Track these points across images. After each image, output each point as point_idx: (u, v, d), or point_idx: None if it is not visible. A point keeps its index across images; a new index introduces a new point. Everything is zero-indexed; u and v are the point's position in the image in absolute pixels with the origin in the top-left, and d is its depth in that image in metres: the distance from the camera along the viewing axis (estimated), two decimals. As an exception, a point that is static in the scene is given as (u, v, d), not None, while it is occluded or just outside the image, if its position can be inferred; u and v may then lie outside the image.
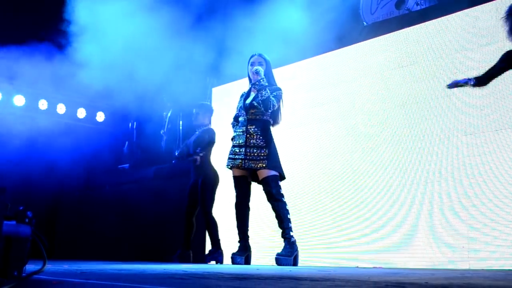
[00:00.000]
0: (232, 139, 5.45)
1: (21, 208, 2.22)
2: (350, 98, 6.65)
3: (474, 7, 5.83)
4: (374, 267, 5.29)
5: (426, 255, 5.59)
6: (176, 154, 6.91)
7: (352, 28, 7.12)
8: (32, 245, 2.22)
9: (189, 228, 6.45)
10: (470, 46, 5.77)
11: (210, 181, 6.40)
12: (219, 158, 6.46)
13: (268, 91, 5.23)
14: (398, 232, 5.85)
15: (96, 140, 9.30)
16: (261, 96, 5.21)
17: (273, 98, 5.24)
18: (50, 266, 3.26)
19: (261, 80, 5.24)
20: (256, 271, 3.67)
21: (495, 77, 4.51)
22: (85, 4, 7.34)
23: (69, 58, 7.34)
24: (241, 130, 5.35)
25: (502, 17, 4.49)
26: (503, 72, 4.46)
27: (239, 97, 5.58)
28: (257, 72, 5.27)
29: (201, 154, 6.41)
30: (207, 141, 6.49)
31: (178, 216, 7.00)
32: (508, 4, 5.43)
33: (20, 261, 2.12)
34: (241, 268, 4.33)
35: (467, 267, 5.16)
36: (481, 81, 4.53)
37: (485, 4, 5.76)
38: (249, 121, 5.31)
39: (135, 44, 7.33)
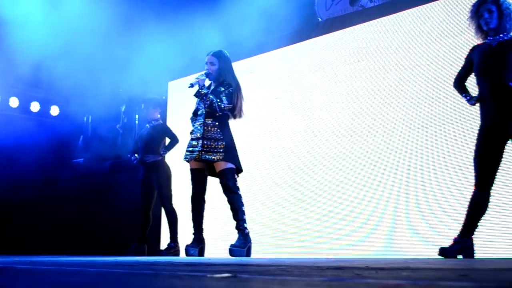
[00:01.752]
0: (190, 133, 5.44)
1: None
2: (305, 92, 6.73)
3: (425, 5, 5.96)
4: (328, 257, 5.40)
5: (389, 249, 5.73)
6: (129, 155, 6.86)
7: (307, 24, 7.22)
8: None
9: (146, 223, 6.43)
10: (421, 42, 5.91)
11: (165, 174, 6.40)
12: (176, 152, 6.45)
13: (210, 97, 5.18)
14: (352, 225, 5.96)
15: (50, 134, 9.22)
16: (205, 104, 5.20)
17: (218, 100, 5.19)
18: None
19: (200, 90, 5.19)
20: (207, 260, 3.75)
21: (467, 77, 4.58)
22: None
23: (21, 51, 7.26)
24: (199, 123, 5.33)
25: (468, 17, 4.53)
26: (468, 73, 4.51)
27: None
28: (191, 86, 5.21)
29: (165, 155, 6.46)
30: (170, 141, 6.49)
31: (133, 210, 6.99)
32: (455, 3, 5.62)
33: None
34: (192, 259, 4.39)
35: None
36: (458, 85, 4.58)
37: (435, 2, 5.91)
38: (207, 114, 5.26)
39: (89, 38, 7.29)
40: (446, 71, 5.27)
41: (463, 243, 4.29)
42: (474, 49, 4.46)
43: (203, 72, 5.31)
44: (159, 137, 6.51)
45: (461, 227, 4.33)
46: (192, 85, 5.20)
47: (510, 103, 4.15)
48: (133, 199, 7.05)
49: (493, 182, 4.30)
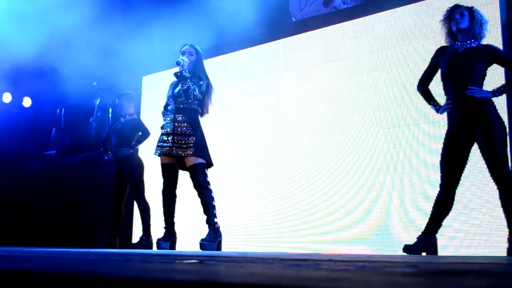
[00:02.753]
0: (161, 128, 5.50)
1: None
2: (278, 90, 6.84)
3: (395, 9, 6.11)
4: (295, 253, 5.53)
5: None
6: (102, 149, 6.91)
7: (282, 23, 7.31)
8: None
9: (117, 216, 6.48)
10: (390, 44, 6.05)
11: (137, 168, 6.44)
12: (148, 146, 6.52)
13: (189, 83, 5.31)
14: (323, 220, 6.11)
15: (23, 125, 9.22)
16: (182, 86, 5.34)
17: (195, 87, 5.32)
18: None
19: (184, 72, 5.29)
20: (178, 252, 3.85)
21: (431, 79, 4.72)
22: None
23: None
24: (170, 118, 5.39)
25: (440, 20, 4.63)
26: (432, 75, 4.68)
27: (169, 87, 5.62)
28: (177, 63, 5.34)
29: (136, 148, 6.52)
30: (141, 134, 6.55)
31: (105, 203, 7.02)
32: (424, 8, 5.79)
33: None
34: (165, 251, 4.49)
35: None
36: (422, 88, 4.74)
37: (405, 6, 6.05)
38: (177, 110, 5.35)
39: (65, 31, 7.31)
40: (415, 73, 5.38)
41: (427, 240, 4.45)
42: (441, 53, 4.60)
43: (185, 58, 5.40)
44: (132, 131, 6.53)
45: (425, 225, 4.51)
46: (178, 63, 5.30)
47: (475, 108, 4.33)
48: (105, 192, 7.07)
49: (458, 183, 4.43)
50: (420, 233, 4.47)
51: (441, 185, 4.46)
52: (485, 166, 4.33)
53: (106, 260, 1.86)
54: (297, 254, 4.30)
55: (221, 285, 0.80)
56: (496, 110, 4.36)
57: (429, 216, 4.47)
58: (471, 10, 4.53)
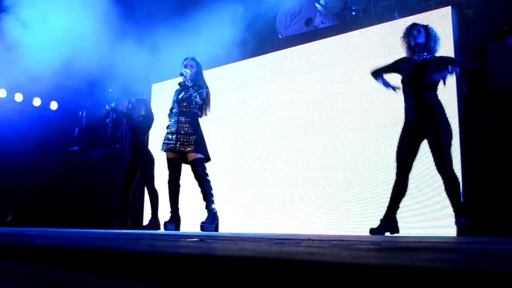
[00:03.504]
0: (166, 128, 5.54)
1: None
2: (266, 97, 6.87)
3: (365, 28, 6.18)
4: (283, 233, 5.57)
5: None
6: (118, 145, 6.93)
7: (270, 39, 7.36)
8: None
9: (127, 201, 6.48)
10: (362, 58, 6.10)
11: (150, 161, 6.45)
12: (157, 143, 6.52)
13: (191, 91, 5.37)
14: (303, 205, 6.18)
15: (50, 125, 9.22)
16: (185, 94, 5.40)
17: (196, 95, 5.38)
18: (4, 229, 3.38)
19: (186, 81, 5.38)
20: (182, 233, 3.89)
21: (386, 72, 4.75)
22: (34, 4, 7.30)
23: (27, 54, 7.29)
24: (174, 120, 5.44)
25: (401, 37, 4.69)
26: (390, 71, 4.73)
27: (174, 93, 5.65)
28: (181, 74, 5.41)
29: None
30: (146, 129, 6.62)
31: (118, 191, 7.05)
32: (389, 28, 5.83)
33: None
34: (170, 232, 4.53)
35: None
36: (376, 73, 4.77)
37: (372, 26, 6.13)
38: (180, 113, 5.41)
39: (85, 44, 7.32)
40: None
41: (388, 222, 4.51)
42: (404, 61, 4.65)
43: (188, 70, 5.46)
44: (144, 129, 6.57)
45: (385, 209, 4.57)
46: (182, 74, 5.38)
47: (428, 112, 4.38)
48: (119, 182, 7.11)
49: (410, 171, 4.50)
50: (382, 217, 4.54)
51: (397, 173, 4.53)
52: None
53: (122, 238, 1.90)
54: (282, 234, 4.33)
55: (218, 257, 0.84)
56: (446, 115, 4.40)
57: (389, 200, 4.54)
58: (426, 28, 4.61)
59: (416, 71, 4.49)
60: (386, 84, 4.69)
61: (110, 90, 8.67)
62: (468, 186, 4.97)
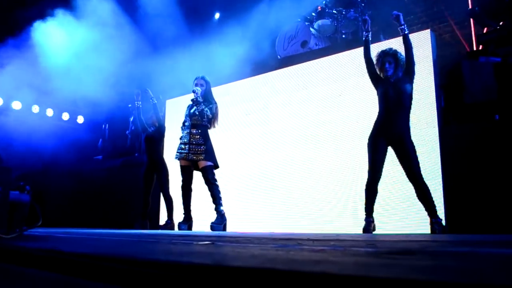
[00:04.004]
0: (180, 139, 5.52)
1: (21, 183, 2.33)
2: (266, 110, 6.82)
3: (354, 49, 6.12)
4: (283, 232, 5.52)
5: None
6: (136, 154, 6.87)
7: (269, 60, 7.33)
8: (30, 210, 2.32)
9: (146, 204, 6.39)
10: (350, 75, 6.05)
11: (165, 170, 6.36)
12: (172, 152, 6.49)
13: (203, 106, 5.36)
14: (309, 209, 6.12)
15: (77, 137, 9.20)
16: (197, 109, 5.37)
17: (207, 109, 5.38)
18: (40, 229, 3.33)
19: (198, 98, 5.36)
20: (194, 233, 3.84)
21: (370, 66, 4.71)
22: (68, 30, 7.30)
23: (58, 74, 7.29)
24: (186, 132, 5.43)
25: (374, 62, 4.68)
26: (372, 72, 4.68)
27: (186, 107, 5.65)
28: (193, 91, 5.40)
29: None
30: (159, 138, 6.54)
31: (137, 195, 7.01)
32: (376, 49, 5.78)
33: (21, 220, 2.23)
34: (184, 232, 4.48)
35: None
36: (367, 54, 4.70)
37: (359, 48, 6.03)
38: (192, 126, 5.40)
39: (109, 66, 7.32)
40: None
41: (371, 221, 4.50)
42: (380, 79, 4.63)
43: (198, 88, 5.42)
44: (158, 139, 6.49)
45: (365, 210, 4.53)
46: (194, 91, 5.36)
47: (396, 129, 4.40)
48: (138, 187, 7.06)
49: (381, 174, 4.50)
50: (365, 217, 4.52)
51: (369, 178, 4.48)
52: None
53: (142, 242, 1.83)
54: (283, 234, 4.27)
55: (230, 268, 0.78)
56: (410, 135, 4.42)
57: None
58: (396, 57, 4.55)
59: (390, 89, 4.50)
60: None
61: (129, 105, 8.64)
62: (448, 190, 4.94)
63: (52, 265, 1.04)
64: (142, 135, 6.63)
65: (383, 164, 4.50)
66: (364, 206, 4.56)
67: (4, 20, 7.84)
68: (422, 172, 4.45)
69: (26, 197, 2.23)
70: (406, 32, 4.44)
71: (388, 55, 4.56)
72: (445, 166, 5.04)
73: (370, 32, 4.70)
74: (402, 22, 4.47)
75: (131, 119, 8.71)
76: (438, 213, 4.33)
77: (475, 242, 2.21)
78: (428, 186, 4.34)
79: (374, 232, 4.53)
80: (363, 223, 4.52)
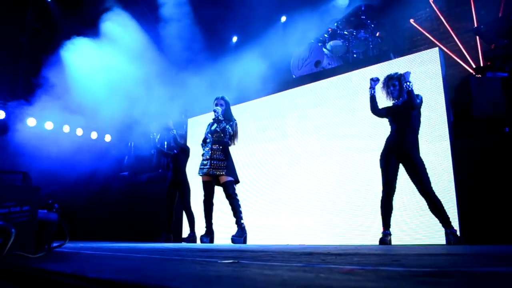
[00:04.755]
0: (202, 155, 5.46)
1: (50, 201, 2.25)
2: (284, 126, 6.72)
3: (365, 68, 6.05)
4: (300, 244, 5.39)
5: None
6: (161, 170, 6.80)
7: (285, 79, 7.27)
8: (58, 228, 2.24)
9: (170, 218, 6.33)
10: (363, 92, 5.91)
11: (187, 187, 6.31)
12: (193, 168, 6.44)
13: (224, 123, 5.31)
14: (315, 218, 5.97)
15: (105, 155, 9.20)
16: (219, 127, 5.30)
17: (228, 126, 5.32)
18: (69, 244, 3.25)
19: (219, 116, 5.32)
20: (215, 247, 3.72)
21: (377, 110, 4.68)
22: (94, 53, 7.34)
23: (87, 97, 7.32)
24: (208, 148, 5.36)
25: (381, 87, 4.69)
26: (382, 114, 4.67)
27: (207, 125, 5.58)
28: (214, 110, 5.37)
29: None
30: (185, 158, 6.46)
31: (160, 209, 6.96)
32: (386, 67, 5.67)
33: (49, 238, 2.14)
34: (205, 245, 4.37)
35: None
36: (373, 110, 4.68)
37: (371, 66, 6.00)
38: (213, 142, 5.33)
39: (132, 89, 7.33)
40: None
41: (388, 234, 4.35)
42: (387, 108, 4.65)
43: (218, 107, 5.37)
44: (183, 160, 6.43)
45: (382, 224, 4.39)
46: (215, 111, 5.33)
47: (405, 148, 4.33)
48: (161, 202, 7.01)
49: (395, 189, 4.41)
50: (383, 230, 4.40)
51: (384, 193, 4.40)
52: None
53: (166, 260, 1.73)
54: (301, 246, 4.14)
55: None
56: (418, 152, 4.35)
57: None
58: (399, 80, 4.55)
59: (398, 111, 4.49)
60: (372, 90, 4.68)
61: (154, 124, 8.63)
62: (462, 201, 4.79)
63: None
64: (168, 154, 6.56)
65: (395, 179, 4.43)
66: (381, 219, 4.42)
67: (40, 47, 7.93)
68: (435, 185, 4.33)
69: (54, 215, 2.14)
70: (410, 89, 4.38)
71: (392, 79, 4.61)
72: (458, 178, 4.91)
73: (375, 89, 4.68)
74: (407, 79, 4.42)
75: (158, 137, 8.71)
76: (452, 224, 4.18)
77: (499, 256, 2.05)
78: (439, 199, 4.22)
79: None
80: (375, 234, 4.40)
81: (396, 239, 4.85)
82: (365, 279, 0.97)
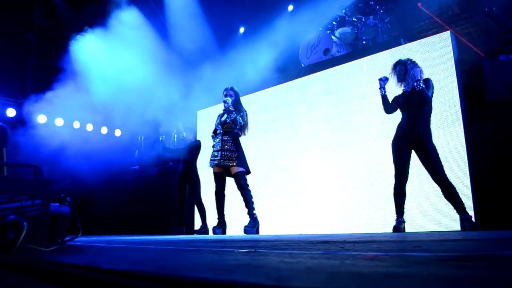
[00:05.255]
0: (212, 147, 5.42)
1: (62, 195, 2.22)
2: (294, 116, 6.67)
3: (376, 54, 5.96)
4: (313, 233, 5.35)
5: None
6: (171, 164, 6.71)
7: (294, 68, 7.19)
8: (70, 221, 2.21)
9: (182, 211, 6.28)
10: (373, 79, 5.83)
11: (197, 179, 6.26)
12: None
13: (234, 113, 5.24)
14: (325, 208, 5.93)
15: (116, 149, 9.19)
16: (230, 117, 5.24)
17: (239, 117, 5.27)
18: (82, 238, 3.23)
19: (229, 107, 5.25)
20: (229, 237, 3.69)
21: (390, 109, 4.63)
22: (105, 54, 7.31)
23: (98, 94, 7.32)
24: (218, 139, 5.32)
25: (390, 73, 4.62)
26: (394, 109, 4.61)
27: (217, 117, 5.53)
28: (224, 101, 5.30)
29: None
30: (196, 152, 6.40)
31: (171, 202, 6.94)
32: (396, 52, 5.57)
33: (62, 232, 2.11)
34: (218, 236, 4.34)
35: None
36: (387, 110, 4.63)
37: (382, 52, 5.90)
38: (224, 133, 5.29)
39: (143, 83, 7.31)
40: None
41: (401, 221, 4.29)
42: (398, 96, 4.59)
43: (228, 98, 5.32)
44: (195, 153, 6.35)
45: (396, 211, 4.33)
46: (225, 101, 5.27)
47: (417, 133, 4.28)
48: (172, 194, 6.99)
49: (408, 176, 4.34)
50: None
51: (397, 180, 4.34)
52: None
53: (182, 251, 1.68)
54: (314, 235, 4.10)
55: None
56: (431, 139, 4.29)
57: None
58: (405, 65, 4.49)
59: (408, 98, 4.44)
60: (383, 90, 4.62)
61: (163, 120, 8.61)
62: (476, 186, 4.72)
63: (90, 284, 0.89)
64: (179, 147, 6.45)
65: (408, 166, 4.36)
66: (394, 207, 4.36)
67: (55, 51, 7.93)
68: (449, 171, 4.26)
69: (67, 208, 2.11)
70: (421, 88, 4.32)
71: (399, 64, 4.56)
72: (472, 164, 4.83)
73: (385, 89, 4.64)
74: (418, 77, 4.36)
75: (163, 138, 8.69)
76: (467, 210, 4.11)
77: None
78: (453, 185, 4.16)
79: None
80: (389, 222, 4.35)
81: (409, 226, 4.78)
82: (393, 264, 0.92)
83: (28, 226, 1.67)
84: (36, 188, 1.95)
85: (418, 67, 4.48)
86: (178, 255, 1.43)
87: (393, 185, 4.40)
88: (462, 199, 4.14)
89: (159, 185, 8.30)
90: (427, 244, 1.88)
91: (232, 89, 5.45)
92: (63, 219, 2.10)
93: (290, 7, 8.34)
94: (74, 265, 1.03)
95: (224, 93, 5.45)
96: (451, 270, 0.77)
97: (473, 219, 4.28)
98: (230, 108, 5.26)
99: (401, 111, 4.50)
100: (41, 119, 8.60)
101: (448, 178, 4.16)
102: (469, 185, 4.73)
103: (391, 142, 4.51)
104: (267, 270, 0.85)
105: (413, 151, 4.39)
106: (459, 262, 0.92)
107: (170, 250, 1.77)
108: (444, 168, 4.22)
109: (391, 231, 4.35)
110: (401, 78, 4.48)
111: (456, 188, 4.15)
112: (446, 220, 4.80)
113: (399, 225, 4.27)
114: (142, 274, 0.84)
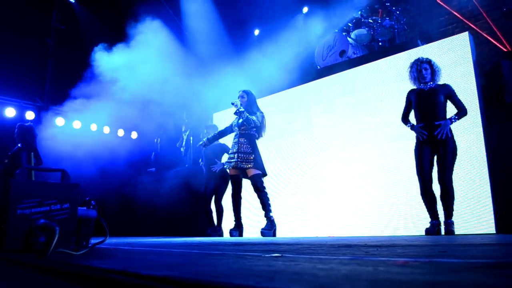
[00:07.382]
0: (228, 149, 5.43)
1: (87, 198, 2.25)
2: (310, 118, 6.64)
3: (392, 56, 5.92)
4: (329, 236, 5.33)
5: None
6: (200, 161, 6.54)
7: (310, 70, 7.18)
8: (95, 224, 2.24)
9: (209, 211, 6.12)
10: (389, 81, 5.84)
11: (224, 181, 6.03)
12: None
13: (246, 114, 5.18)
14: (339, 212, 5.90)
15: (132, 151, 9.26)
16: (242, 117, 5.20)
17: (254, 118, 5.20)
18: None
19: (239, 109, 5.20)
20: (247, 240, 3.70)
21: (409, 113, 4.57)
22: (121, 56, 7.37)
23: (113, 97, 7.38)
24: (235, 141, 5.32)
25: (407, 70, 4.57)
26: (410, 110, 4.55)
27: (234, 119, 5.47)
28: (232, 103, 5.25)
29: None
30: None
31: (186, 204, 6.94)
32: (413, 54, 5.53)
33: (88, 235, 2.14)
34: (236, 239, 4.35)
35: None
36: (405, 121, 4.59)
37: (399, 54, 5.86)
38: (240, 135, 5.28)
39: (159, 86, 7.35)
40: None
41: (436, 225, 4.25)
42: (411, 93, 4.53)
43: (237, 100, 5.32)
44: (217, 153, 6.18)
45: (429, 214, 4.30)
46: (233, 103, 5.24)
47: (435, 130, 4.23)
48: (188, 196, 7.00)
49: (431, 179, 4.30)
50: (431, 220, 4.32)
51: (421, 184, 4.31)
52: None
53: (207, 255, 1.70)
54: (331, 238, 4.08)
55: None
56: (452, 133, 4.27)
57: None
58: (430, 64, 4.44)
59: (425, 99, 4.38)
60: (413, 128, 4.49)
61: (186, 120, 8.66)
62: (496, 187, 4.66)
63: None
64: (203, 149, 6.32)
65: (430, 169, 4.32)
66: (426, 210, 4.37)
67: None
68: (468, 172, 4.26)
69: (93, 212, 2.14)
70: (455, 120, 4.28)
71: (423, 62, 4.47)
72: (492, 165, 4.78)
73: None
74: (454, 117, 4.29)
75: (186, 132, 8.70)
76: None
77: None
78: (454, 190, 4.19)
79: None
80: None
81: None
82: (428, 271, 0.92)
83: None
84: (64, 192, 1.99)
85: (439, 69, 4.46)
86: (208, 260, 1.45)
87: (412, 186, 4.40)
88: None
89: (174, 187, 8.34)
90: (452, 249, 1.87)
91: (244, 91, 5.43)
92: (89, 222, 2.14)
93: (305, 9, 8.34)
94: (111, 270, 1.05)
95: (238, 94, 5.46)
96: (490, 278, 0.77)
97: (492, 220, 4.26)
98: (241, 110, 5.22)
99: (415, 114, 4.46)
100: (59, 122, 8.71)
101: (452, 183, 4.17)
102: (489, 187, 4.68)
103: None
104: (306, 277, 0.86)
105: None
106: (495, 270, 0.92)
107: (196, 254, 1.79)
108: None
109: (411, 233, 4.34)
110: (429, 79, 4.41)
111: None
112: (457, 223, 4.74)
113: (431, 227, 4.26)
114: (181, 280, 0.85)
